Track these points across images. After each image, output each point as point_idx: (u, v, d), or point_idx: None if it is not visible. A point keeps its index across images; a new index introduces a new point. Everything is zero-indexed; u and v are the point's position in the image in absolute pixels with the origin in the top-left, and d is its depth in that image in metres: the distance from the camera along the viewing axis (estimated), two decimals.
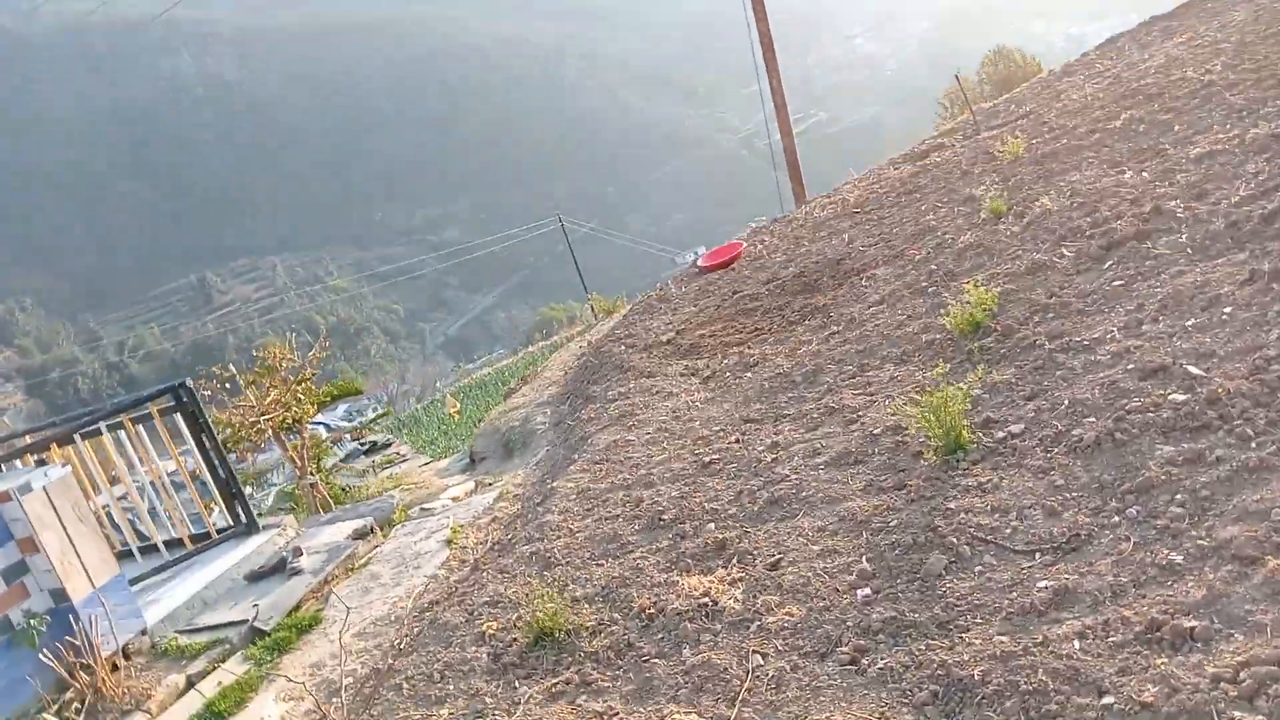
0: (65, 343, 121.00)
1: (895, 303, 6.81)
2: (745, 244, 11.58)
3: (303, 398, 7.78)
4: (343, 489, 10.29)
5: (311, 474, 7.96)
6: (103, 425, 6.15)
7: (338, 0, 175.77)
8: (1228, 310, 4.29)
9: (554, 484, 5.86)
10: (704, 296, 10.01)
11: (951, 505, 3.77)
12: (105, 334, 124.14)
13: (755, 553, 4.05)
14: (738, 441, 5.46)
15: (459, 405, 22.23)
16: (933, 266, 7.11)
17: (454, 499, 7.10)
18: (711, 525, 4.47)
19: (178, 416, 6.39)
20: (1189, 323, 4.37)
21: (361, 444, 13.14)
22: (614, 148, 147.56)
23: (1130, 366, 4.21)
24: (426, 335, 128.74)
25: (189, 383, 6.31)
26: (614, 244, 75.81)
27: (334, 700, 4.38)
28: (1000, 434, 4.22)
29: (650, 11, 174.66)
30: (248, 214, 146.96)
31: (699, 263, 11.61)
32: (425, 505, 6.91)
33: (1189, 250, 5.22)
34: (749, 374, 6.78)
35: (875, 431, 4.77)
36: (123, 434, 6.28)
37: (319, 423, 13.28)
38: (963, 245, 7.21)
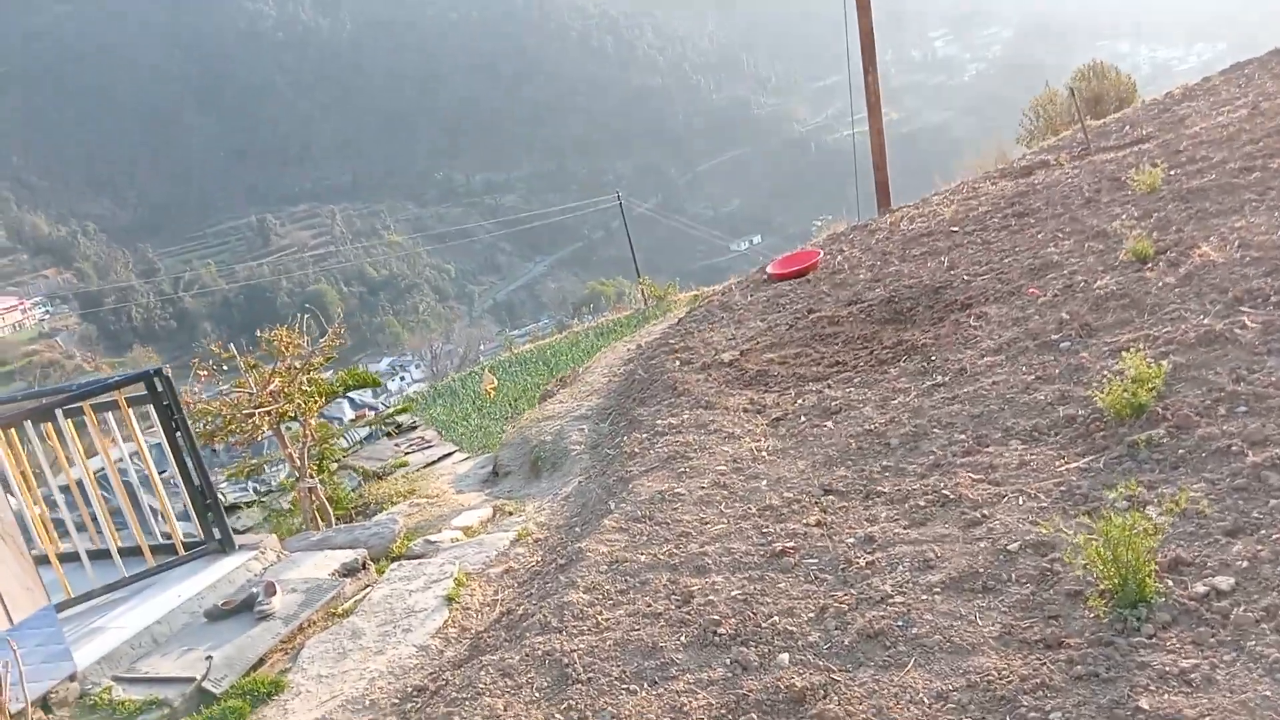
0: (123, 270, 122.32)
1: (1017, 355, 5.62)
2: (822, 253, 10.39)
3: (308, 388, 6.79)
4: (359, 478, 9.33)
5: (311, 475, 6.96)
6: (58, 413, 5.18)
7: None
8: None
9: (582, 544, 4.77)
10: (773, 311, 8.86)
11: (1144, 704, 2.62)
12: (163, 265, 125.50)
13: None
14: (818, 524, 4.33)
15: (495, 382, 21.29)
16: (1063, 314, 5.89)
17: (465, 530, 6.05)
18: (785, 657, 3.36)
19: (150, 408, 5.41)
20: None
21: (385, 424, 12.16)
22: (680, 127, 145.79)
23: None
24: (475, 297, 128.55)
25: (165, 370, 5.32)
26: (669, 223, 74.55)
27: None
28: (1199, 587, 3.06)
29: None
30: (312, 160, 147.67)
31: (769, 269, 10.43)
32: (430, 537, 5.87)
33: None
34: (829, 423, 5.63)
35: (1010, 547, 3.62)
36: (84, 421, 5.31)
37: (347, 396, 12.30)
38: (1101, 292, 5.99)
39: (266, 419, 6.49)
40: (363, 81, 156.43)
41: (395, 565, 5.47)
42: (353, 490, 8.29)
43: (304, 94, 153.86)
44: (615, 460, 6.18)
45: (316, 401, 6.93)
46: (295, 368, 6.70)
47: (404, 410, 11.53)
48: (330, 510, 7.02)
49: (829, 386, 6.27)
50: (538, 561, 5.17)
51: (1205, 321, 4.99)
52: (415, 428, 12.58)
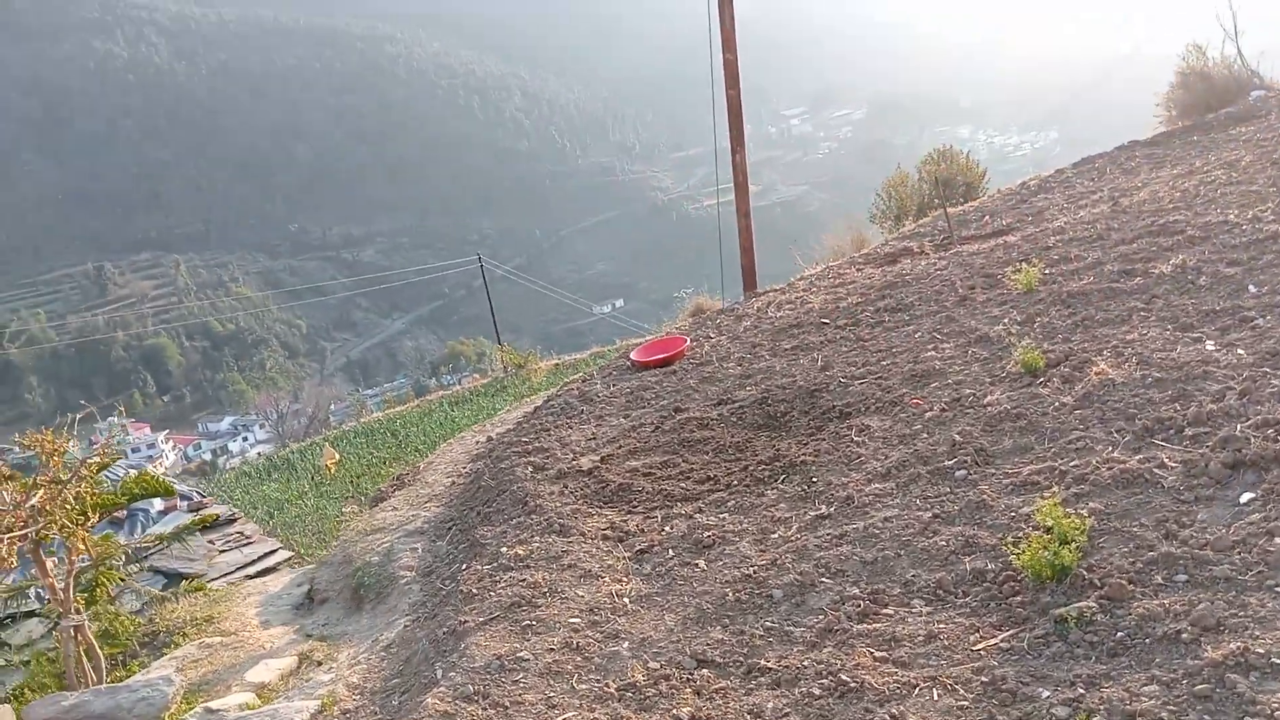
0: None
1: (908, 484, 4.99)
2: (688, 340, 9.75)
3: (74, 505, 5.57)
4: (146, 598, 7.96)
5: (77, 610, 5.71)
6: None
7: (286, 2, 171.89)
8: None
9: None
10: (637, 405, 8.11)
11: None
12: None
13: None
14: (692, 718, 3.51)
15: (337, 457, 19.81)
16: (954, 434, 5.32)
17: (260, 689, 4.96)
18: None
19: None
20: None
21: (196, 520, 10.71)
22: (546, 190, 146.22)
23: None
24: (328, 355, 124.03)
25: None
26: (532, 285, 73.98)
27: None
28: None
29: (596, 63, 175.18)
30: (159, 208, 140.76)
31: (632, 356, 9.71)
32: (214, 704, 4.75)
33: None
34: (702, 561, 4.85)
35: None
36: None
37: (138, 510, 10.76)
38: (993, 410, 5.46)
39: (17, 545, 5.25)
40: (218, 129, 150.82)
41: None
42: (139, 613, 6.98)
43: (153, 139, 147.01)
44: (449, 601, 5.21)
45: (87, 518, 5.71)
46: (60, 479, 5.49)
47: (207, 522, 10.10)
48: (100, 653, 5.76)
49: (700, 510, 5.50)
50: None
51: (1116, 455, 4.47)
52: (234, 520, 11.21)
